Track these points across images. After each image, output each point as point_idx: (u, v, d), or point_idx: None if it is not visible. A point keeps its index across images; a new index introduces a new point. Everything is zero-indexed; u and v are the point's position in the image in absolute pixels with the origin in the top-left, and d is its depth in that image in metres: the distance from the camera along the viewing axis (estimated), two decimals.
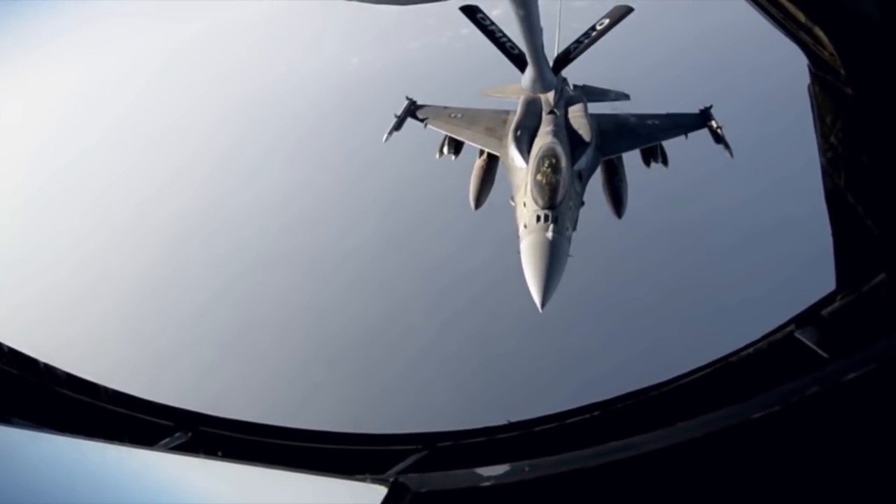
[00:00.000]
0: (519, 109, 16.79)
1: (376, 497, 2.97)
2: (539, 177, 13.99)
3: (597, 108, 18.00)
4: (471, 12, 16.39)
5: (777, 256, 60.20)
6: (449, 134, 18.04)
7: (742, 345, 5.90)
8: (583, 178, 15.10)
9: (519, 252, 13.44)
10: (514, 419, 6.03)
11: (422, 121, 18.46)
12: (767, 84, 64.79)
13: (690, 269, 64.12)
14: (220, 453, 5.37)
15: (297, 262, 79.37)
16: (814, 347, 4.86)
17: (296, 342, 70.84)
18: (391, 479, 3.09)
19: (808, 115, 7.22)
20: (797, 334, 5.15)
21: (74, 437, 3.97)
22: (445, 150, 18.19)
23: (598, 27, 15.93)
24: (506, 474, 3.19)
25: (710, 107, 16.71)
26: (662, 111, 17.43)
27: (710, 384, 5.63)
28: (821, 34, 6.27)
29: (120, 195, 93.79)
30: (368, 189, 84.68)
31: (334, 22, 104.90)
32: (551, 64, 14.23)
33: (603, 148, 16.31)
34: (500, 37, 15.83)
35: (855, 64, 6.03)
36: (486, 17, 16.24)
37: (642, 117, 17.25)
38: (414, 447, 5.55)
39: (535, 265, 13.02)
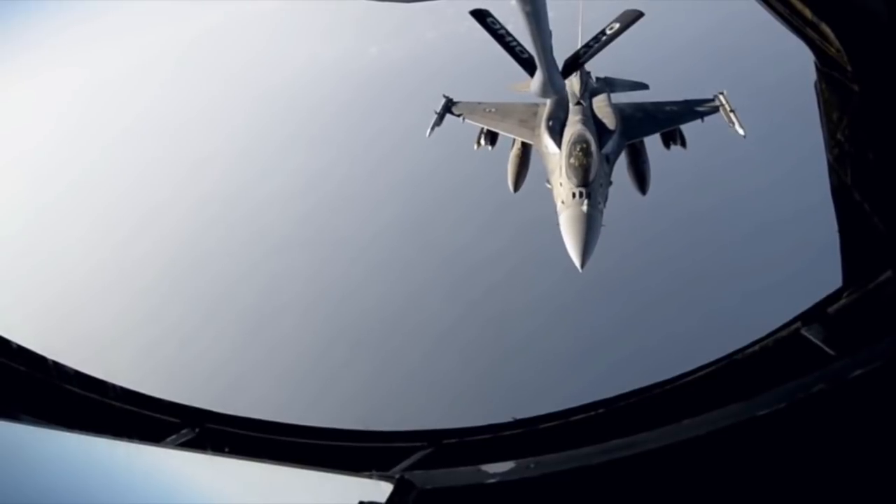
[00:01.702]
0: (549, 101, 18.06)
1: (382, 493, 2.98)
2: (572, 160, 15.80)
3: (618, 97, 19.39)
4: (481, 16, 16.84)
5: (782, 254, 59.97)
6: (486, 126, 19.48)
7: (748, 342, 5.89)
8: (610, 160, 16.82)
9: (559, 225, 15.31)
10: (518, 417, 6.03)
11: (458, 116, 19.85)
12: (773, 81, 64.46)
13: (693, 266, 63.97)
14: (227, 449, 5.40)
15: (311, 253, 79.38)
16: (820, 345, 4.84)
17: (299, 340, 71.03)
18: (397, 476, 3.10)
19: (815, 111, 7.19)
20: (803, 331, 5.13)
21: (83, 434, 4.00)
22: (482, 141, 19.70)
23: (609, 31, 16.40)
24: (511, 471, 3.19)
25: (723, 92, 18.10)
26: (679, 98, 18.73)
27: (715, 381, 5.62)
28: (827, 31, 6.24)
29: (142, 189, 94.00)
30: (385, 178, 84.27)
31: (352, 13, 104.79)
32: (561, 67, 14.35)
33: (626, 133, 17.88)
34: (511, 41, 16.18)
35: (861, 60, 6.00)
36: (496, 22, 16.64)
37: (661, 104, 18.77)
38: (419, 444, 5.56)
39: (573, 234, 15.03)
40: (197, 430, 5.59)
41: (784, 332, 5.48)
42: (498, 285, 67.25)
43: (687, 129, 18.29)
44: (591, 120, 17.45)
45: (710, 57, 78.72)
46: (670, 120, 18.42)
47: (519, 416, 6.03)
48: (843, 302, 5.38)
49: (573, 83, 18.82)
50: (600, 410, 5.68)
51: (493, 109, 19.67)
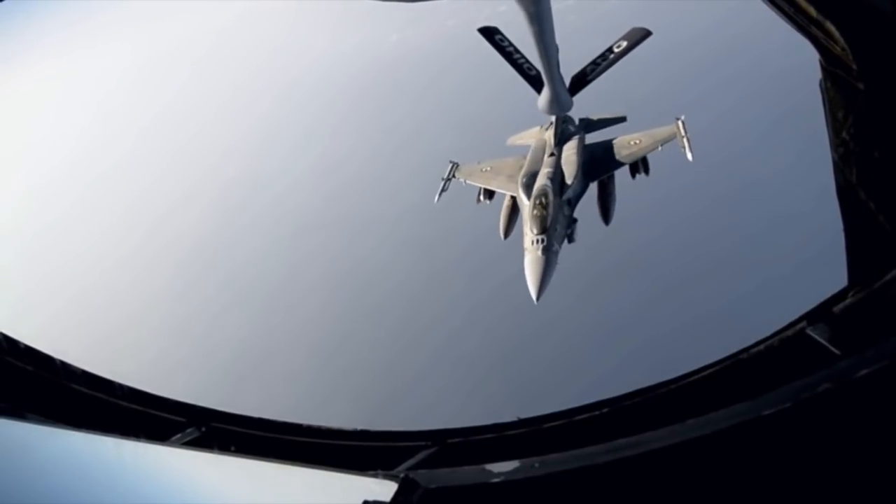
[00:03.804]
0: (528, 157, 20.89)
1: (387, 492, 2.99)
2: (534, 211, 18.31)
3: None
4: (489, 34, 17.42)
5: (787, 252, 59.75)
6: (481, 186, 21.84)
7: (753, 341, 5.88)
8: (571, 203, 19.35)
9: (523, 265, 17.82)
10: (523, 416, 6.04)
11: (460, 180, 22.20)
12: (778, 79, 64.25)
13: (697, 265, 63.74)
14: (232, 448, 5.43)
15: (321, 247, 79.36)
16: (825, 344, 4.83)
17: (303, 341, 71.15)
18: (401, 475, 3.11)
19: (819, 110, 7.16)
20: (809, 331, 5.12)
21: (89, 433, 4.02)
22: (481, 198, 22.02)
23: (616, 49, 16.92)
24: (515, 471, 3.20)
25: (681, 118, 19.80)
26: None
27: (721, 381, 5.61)
28: (832, 29, 6.21)
29: (156, 189, 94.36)
30: (405, 164, 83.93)
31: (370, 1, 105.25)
32: (568, 84, 14.76)
33: (592, 174, 20.25)
34: (518, 58, 16.71)
35: (866, 59, 5.97)
36: (504, 38, 17.19)
37: (626, 139, 20.81)
38: (424, 444, 5.58)
39: (531, 275, 17.55)
40: (203, 429, 5.63)
41: (789, 332, 5.46)
42: (499, 286, 67.24)
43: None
44: (559, 170, 19.77)
45: (713, 56, 78.52)
46: (634, 154, 20.33)
47: (523, 416, 6.04)
48: (848, 301, 5.36)
49: (549, 135, 21.28)
50: (605, 410, 5.68)
51: (489, 168, 22.08)
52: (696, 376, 5.73)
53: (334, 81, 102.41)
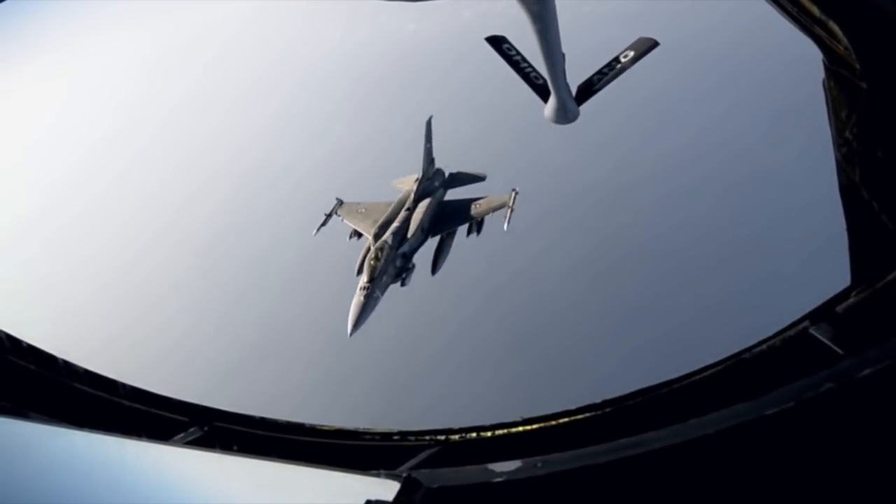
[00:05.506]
0: (391, 207, 23.21)
1: (389, 492, 2.98)
2: (370, 261, 20.73)
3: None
4: (496, 43, 17.76)
5: (789, 252, 59.67)
6: (351, 226, 23.84)
7: (756, 341, 5.87)
8: (407, 256, 21.81)
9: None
10: (526, 415, 6.03)
11: (339, 217, 24.14)
12: (782, 78, 64.12)
13: (698, 265, 63.68)
14: (235, 448, 5.44)
15: (328, 244, 79.15)
16: (828, 344, 4.82)
17: (306, 341, 71.15)
18: (404, 475, 3.11)
19: (822, 109, 7.14)
20: (812, 330, 5.11)
21: (91, 432, 4.02)
22: (352, 236, 24.14)
23: (623, 59, 17.12)
24: (518, 470, 3.20)
25: (515, 189, 22.56)
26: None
27: (722, 381, 5.60)
28: (835, 28, 6.18)
29: (165, 189, 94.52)
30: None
31: None
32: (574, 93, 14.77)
33: (433, 230, 22.73)
34: (526, 66, 16.96)
35: (869, 59, 5.95)
36: (511, 48, 17.42)
37: (470, 201, 23.39)
38: (426, 443, 5.58)
39: (352, 313, 20.27)
40: (205, 428, 5.63)
41: (792, 331, 5.45)
42: (503, 285, 67.15)
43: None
44: (406, 225, 22.03)
45: (715, 54, 78.35)
46: (471, 216, 22.70)
47: (526, 415, 6.03)
48: (851, 301, 5.35)
49: (412, 190, 23.47)
50: (607, 409, 5.68)
51: (363, 210, 23.99)
52: (698, 376, 5.72)
53: (349, 72, 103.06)
